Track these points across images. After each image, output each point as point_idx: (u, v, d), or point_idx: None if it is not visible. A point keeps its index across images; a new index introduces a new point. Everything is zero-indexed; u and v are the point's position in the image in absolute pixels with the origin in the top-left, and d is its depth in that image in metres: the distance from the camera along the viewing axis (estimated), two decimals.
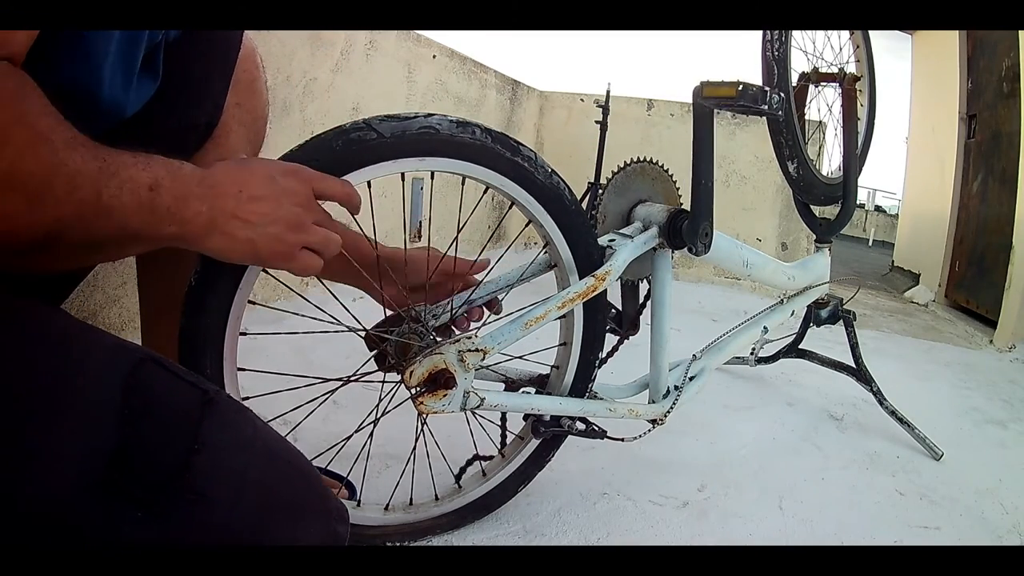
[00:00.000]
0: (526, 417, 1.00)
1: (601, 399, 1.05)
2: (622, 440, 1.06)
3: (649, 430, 1.10)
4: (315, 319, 0.84)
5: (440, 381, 0.81)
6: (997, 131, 3.57)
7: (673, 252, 1.07)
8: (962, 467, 1.43)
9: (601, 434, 1.01)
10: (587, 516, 1.05)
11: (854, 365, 1.62)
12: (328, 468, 1.01)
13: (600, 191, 1.06)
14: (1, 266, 0.49)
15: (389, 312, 0.89)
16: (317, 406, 0.86)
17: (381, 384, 0.88)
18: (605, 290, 0.95)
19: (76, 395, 0.42)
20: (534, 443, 1.00)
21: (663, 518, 1.08)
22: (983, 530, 1.19)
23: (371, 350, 0.89)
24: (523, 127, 3.48)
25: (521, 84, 3.37)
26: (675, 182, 1.13)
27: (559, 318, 0.93)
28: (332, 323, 0.84)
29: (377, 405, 0.87)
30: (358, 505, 0.91)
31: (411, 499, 0.94)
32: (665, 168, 1.12)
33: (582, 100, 3.58)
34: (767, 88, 1.00)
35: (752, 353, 1.85)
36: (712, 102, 1.01)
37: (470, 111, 2.87)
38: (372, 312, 0.90)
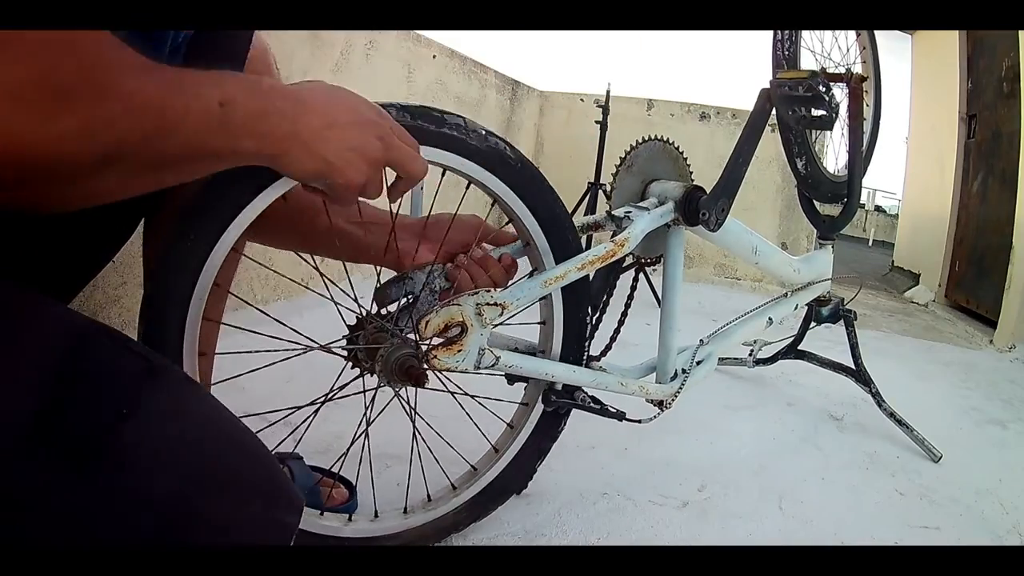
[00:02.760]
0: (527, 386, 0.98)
1: (612, 373, 1.03)
2: (639, 422, 1.04)
3: (657, 414, 1.09)
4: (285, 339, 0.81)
5: (455, 335, 0.79)
6: (997, 131, 3.57)
7: (688, 229, 1.07)
8: (962, 467, 1.43)
9: (619, 416, 1.00)
10: (587, 516, 1.05)
11: (853, 366, 1.62)
12: (327, 468, 1.01)
13: (614, 169, 1.06)
14: (63, 194, 0.48)
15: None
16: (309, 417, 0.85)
17: (363, 392, 0.84)
18: (587, 277, 0.93)
19: (16, 357, 0.42)
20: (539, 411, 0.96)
21: (663, 518, 1.08)
22: (983, 530, 1.19)
23: (380, 304, 0.85)
24: (523, 127, 3.49)
25: (521, 84, 3.38)
26: (687, 162, 1.14)
27: (568, 285, 0.92)
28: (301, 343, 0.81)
29: (367, 412, 0.85)
30: (376, 516, 0.88)
31: (428, 495, 0.91)
32: (678, 148, 1.12)
33: (582, 100, 3.58)
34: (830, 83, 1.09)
35: (750, 354, 1.86)
36: (784, 83, 1.10)
37: (470, 111, 2.87)
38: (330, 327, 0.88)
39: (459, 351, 0.80)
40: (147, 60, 0.47)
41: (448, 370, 0.81)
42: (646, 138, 1.08)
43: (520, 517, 1.02)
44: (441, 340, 0.80)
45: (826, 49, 1.58)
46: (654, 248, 1.09)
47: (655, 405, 1.10)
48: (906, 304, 3.97)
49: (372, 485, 0.91)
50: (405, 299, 0.83)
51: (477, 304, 0.79)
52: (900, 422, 1.53)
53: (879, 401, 1.57)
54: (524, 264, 0.94)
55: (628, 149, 1.06)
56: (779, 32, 1.42)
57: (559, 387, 0.96)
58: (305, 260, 0.85)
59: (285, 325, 0.83)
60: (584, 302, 0.95)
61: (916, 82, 5.41)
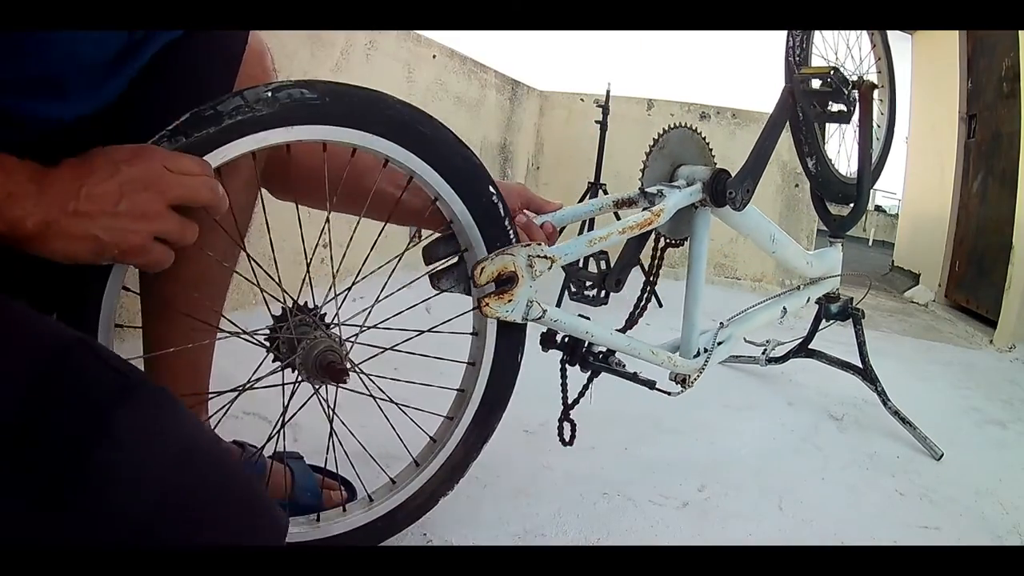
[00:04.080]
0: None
1: (644, 343, 1.08)
2: (669, 394, 1.10)
3: (680, 391, 1.15)
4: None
5: (507, 284, 0.81)
6: (997, 131, 3.57)
7: (715, 210, 1.13)
8: (962, 467, 1.43)
9: (650, 384, 1.04)
10: (587, 516, 1.05)
11: (860, 364, 1.64)
12: (327, 468, 1.01)
13: (646, 151, 1.11)
14: None
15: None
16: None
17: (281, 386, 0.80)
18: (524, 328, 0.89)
19: None
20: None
21: (663, 518, 1.08)
22: (983, 530, 1.19)
23: (428, 261, 0.84)
24: (523, 127, 3.48)
25: (521, 84, 3.37)
26: (712, 152, 1.19)
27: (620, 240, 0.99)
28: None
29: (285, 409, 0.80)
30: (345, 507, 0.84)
31: (392, 479, 0.88)
32: (705, 138, 1.18)
33: (582, 100, 3.58)
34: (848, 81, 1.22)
35: (763, 353, 1.87)
36: (807, 77, 1.21)
37: (470, 111, 2.87)
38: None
39: (509, 300, 0.82)
40: None
41: (498, 317, 0.83)
42: (676, 124, 1.14)
43: (520, 517, 1.02)
44: (494, 288, 0.82)
45: (840, 58, 1.64)
46: (680, 230, 1.16)
47: (678, 383, 1.16)
48: (906, 304, 3.97)
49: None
50: (452, 257, 0.84)
51: (529, 256, 0.83)
52: (904, 420, 1.53)
53: (884, 400, 1.58)
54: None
55: (660, 133, 1.11)
56: (791, 36, 1.50)
57: (596, 350, 1.01)
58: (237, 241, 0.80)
59: (218, 312, 0.82)
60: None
61: (916, 82, 5.40)
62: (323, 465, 0.89)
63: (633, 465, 1.25)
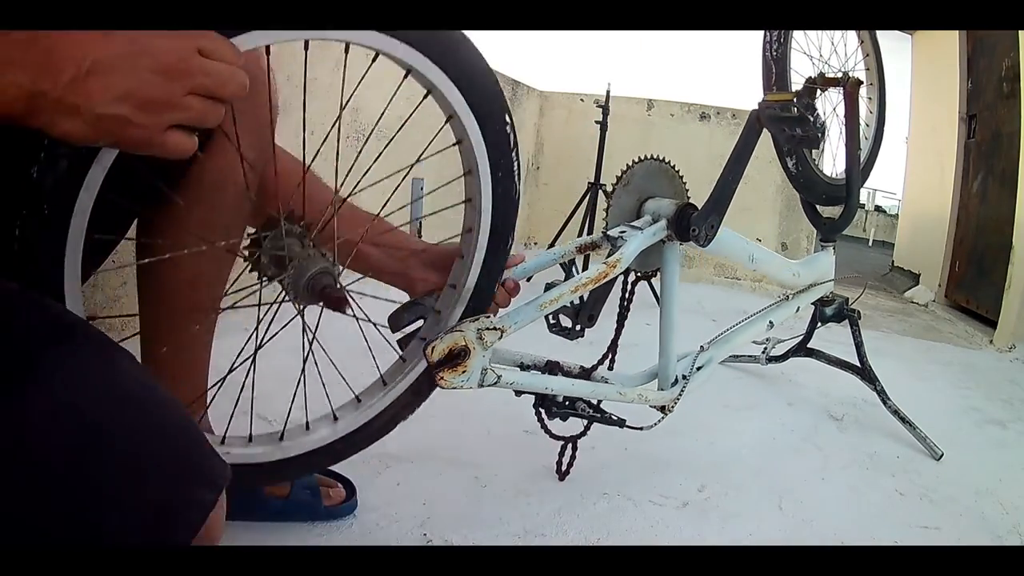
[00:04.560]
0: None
1: (612, 383, 1.08)
2: (640, 429, 1.08)
3: (660, 420, 1.13)
4: None
5: (459, 358, 0.83)
6: (997, 131, 3.57)
7: (681, 244, 1.10)
8: (962, 467, 1.43)
9: (620, 422, 1.05)
10: (587, 516, 1.05)
11: (859, 364, 1.63)
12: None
13: (611, 187, 1.08)
14: None
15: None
16: None
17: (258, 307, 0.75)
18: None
19: None
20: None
21: (663, 518, 1.08)
22: (983, 530, 1.19)
23: (394, 328, 0.85)
24: (523, 127, 3.49)
25: (521, 84, 3.37)
26: (683, 180, 1.16)
27: (569, 302, 0.96)
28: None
29: (256, 328, 0.75)
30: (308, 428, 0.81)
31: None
32: (674, 166, 1.15)
33: (582, 100, 3.58)
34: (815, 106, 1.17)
35: (763, 352, 1.87)
36: (772, 105, 1.16)
37: None
38: None
39: (463, 372, 0.84)
40: None
41: (455, 388, 0.85)
42: (642, 157, 1.10)
43: (520, 517, 1.02)
44: (447, 363, 0.83)
45: (825, 55, 1.60)
46: (651, 263, 1.13)
47: (658, 410, 1.13)
48: (906, 304, 3.97)
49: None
50: (417, 322, 0.87)
51: (478, 330, 0.85)
52: (904, 420, 1.53)
53: (884, 399, 1.58)
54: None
55: (625, 168, 1.08)
56: (769, 33, 1.46)
57: (559, 399, 1.00)
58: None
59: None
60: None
61: (916, 82, 5.41)
62: (294, 390, 0.81)
63: (633, 465, 1.25)
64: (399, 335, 0.88)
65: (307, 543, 0.90)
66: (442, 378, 0.83)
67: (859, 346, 1.63)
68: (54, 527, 0.40)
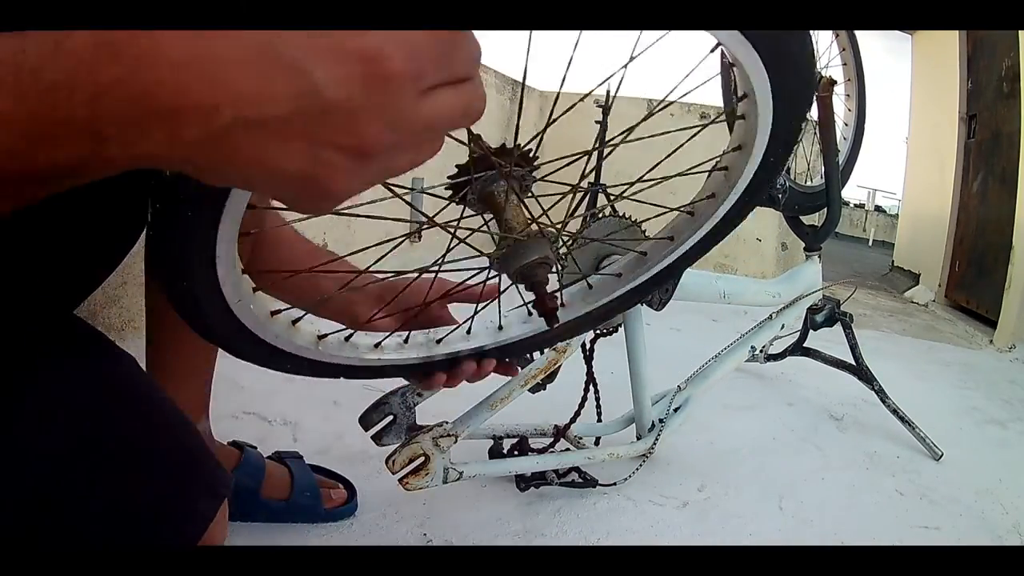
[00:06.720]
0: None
1: (580, 449, 1.10)
2: (614, 484, 1.11)
3: (640, 466, 1.14)
4: None
5: (421, 466, 0.90)
6: (997, 131, 3.57)
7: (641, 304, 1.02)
8: (962, 467, 1.44)
9: (592, 483, 1.09)
10: (587, 516, 1.05)
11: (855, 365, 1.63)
12: (327, 468, 1.01)
13: (570, 242, 0.83)
14: None
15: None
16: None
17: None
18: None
19: None
20: None
21: (663, 518, 1.08)
22: (983, 530, 1.19)
23: (367, 428, 0.87)
24: (523, 127, 3.49)
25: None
26: (643, 230, 0.94)
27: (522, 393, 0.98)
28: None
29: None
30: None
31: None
32: (629, 217, 0.95)
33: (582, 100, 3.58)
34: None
35: (762, 350, 1.86)
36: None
37: None
38: None
39: (426, 475, 0.90)
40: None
41: (421, 489, 0.90)
42: (598, 215, 0.96)
43: (520, 517, 1.02)
44: (409, 470, 0.89)
45: None
46: (612, 322, 1.07)
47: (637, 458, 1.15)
48: (906, 304, 3.97)
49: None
50: (388, 419, 0.89)
51: (433, 439, 0.90)
52: (903, 419, 1.53)
53: (883, 398, 1.57)
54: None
55: (579, 226, 0.93)
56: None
57: (528, 474, 1.04)
58: None
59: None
60: None
61: (916, 82, 5.41)
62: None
63: (633, 465, 1.25)
64: (376, 428, 0.89)
65: (307, 543, 0.90)
66: (407, 483, 0.89)
67: (854, 348, 1.61)
68: (47, 530, 0.40)
